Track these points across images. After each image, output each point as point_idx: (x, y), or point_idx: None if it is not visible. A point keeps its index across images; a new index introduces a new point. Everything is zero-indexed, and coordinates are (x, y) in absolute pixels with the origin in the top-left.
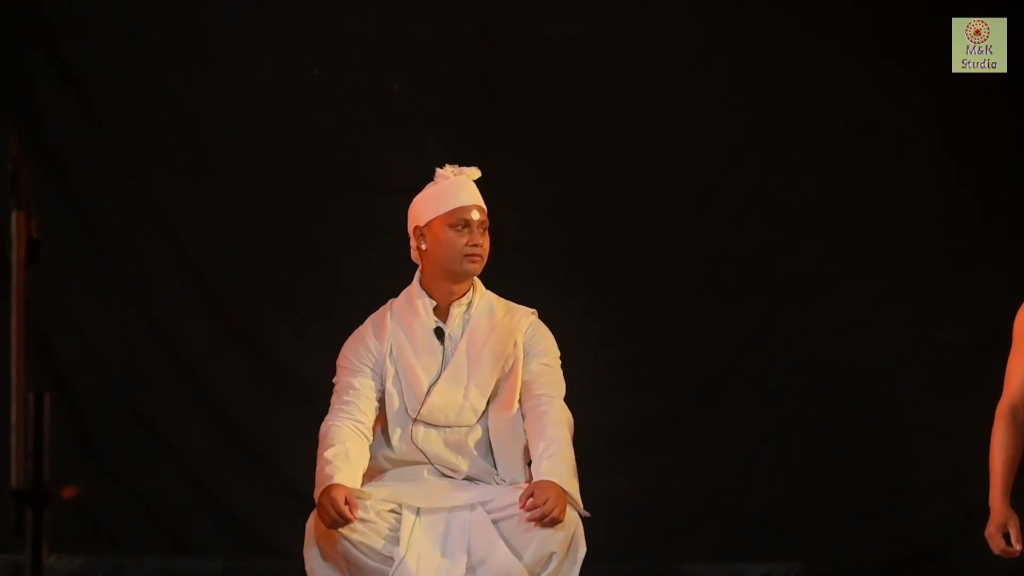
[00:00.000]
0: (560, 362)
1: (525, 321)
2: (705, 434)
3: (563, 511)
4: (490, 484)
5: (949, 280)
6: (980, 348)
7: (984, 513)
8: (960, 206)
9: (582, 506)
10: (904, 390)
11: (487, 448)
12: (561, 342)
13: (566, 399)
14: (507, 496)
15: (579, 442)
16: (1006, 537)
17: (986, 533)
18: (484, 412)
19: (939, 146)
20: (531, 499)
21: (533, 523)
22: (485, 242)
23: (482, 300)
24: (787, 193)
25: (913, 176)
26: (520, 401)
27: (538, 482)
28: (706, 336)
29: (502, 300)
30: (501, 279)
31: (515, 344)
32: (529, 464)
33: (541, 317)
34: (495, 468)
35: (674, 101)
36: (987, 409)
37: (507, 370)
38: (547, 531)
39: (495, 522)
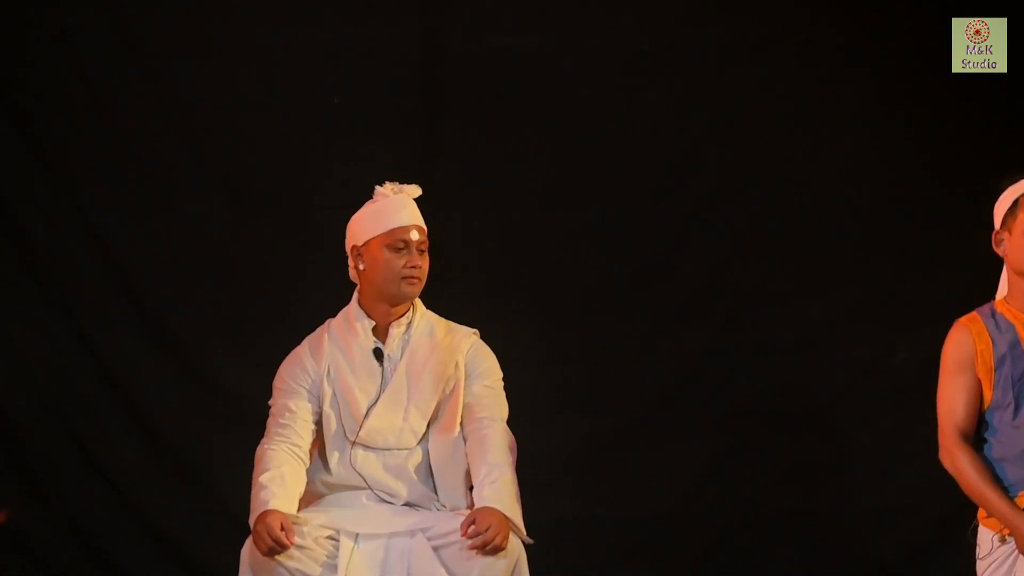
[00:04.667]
0: (503, 383)
1: (467, 341)
2: (655, 457)
3: (505, 538)
4: (431, 510)
5: (903, 301)
6: (934, 369)
7: (940, 538)
8: (916, 228)
9: (525, 533)
10: (857, 412)
11: (427, 472)
12: (504, 363)
13: (509, 421)
14: (448, 522)
15: (524, 465)
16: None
17: None
18: (424, 435)
19: (910, 158)
20: (473, 526)
21: (475, 551)
22: (424, 263)
23: (422, 320)
24: (739, 212)
25: (867, 198)
26: (461, 424)
27: (480, 508)
28: (655, 357)
29: (443, 320)
30: (442, 297)
31: (456, 365)
32: (471, 489)
33: (483, 337)
34: (435, 493)
35: (622, 114)
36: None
37: (448, 392)
38: (489, 559)
39: (436, 549)
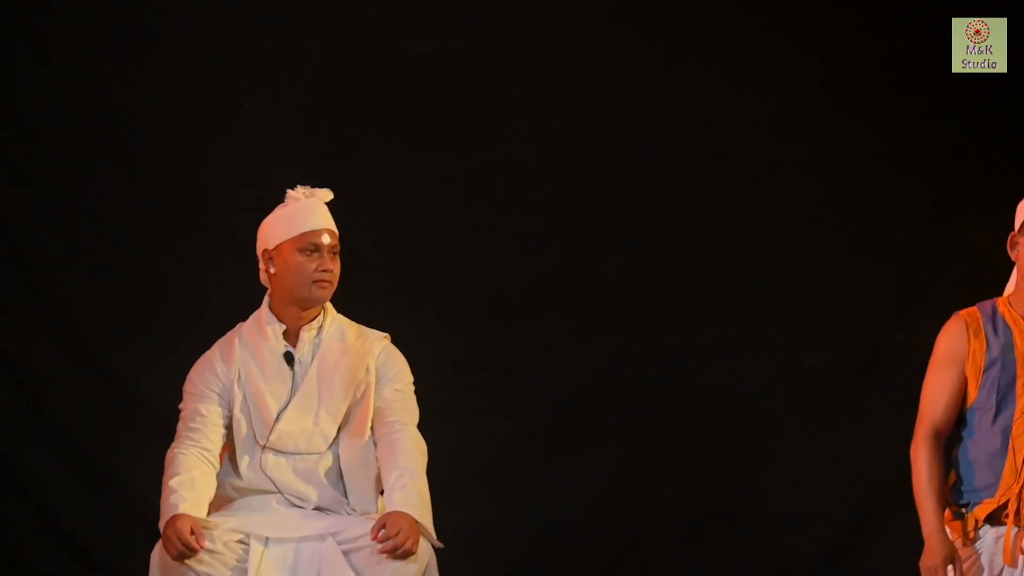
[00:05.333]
0: (414, 388)
1: (378, 345)
2: (568, 461)
3: (416, 543)
4: (341, 514)
5: (813, 306)
6: (845, 374)
7: (851, 542)
8: (829, 230)
9: (435, 537)
10: (769, 416)
11: (338, 476)
12: (415, 367)
13: (420, 425)
14: (358, 527)
15: (435, 469)
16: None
17: (927, 566)
18: (335, 439)
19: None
20: (383, 530)
21: (385, 555)
22: (335, 267)
23: (333, 324)
24: (653, 216)
25: (781, 203)
26: (372, 428)
27: (390, 513)
28: (569, 361)
29: (354, 324)
30: (353, 301)
31: (367, 369)
32: (382, 493)
33: (394, 341)
34: (346, 497)
35: (534, 117)
36: (851, 436)
37: (359, 396)
38: (399, 563)
39: (346, 553)
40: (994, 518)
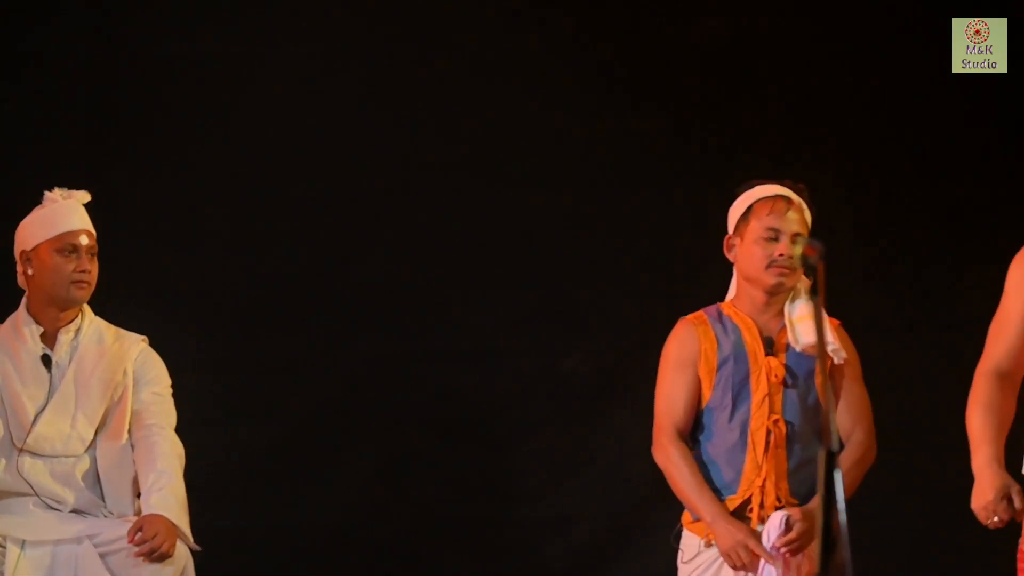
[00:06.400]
0: (171, 391)
1: (135, 348)
2: (326, 463)
3: (172, 545)
4: (98, 517)
5: (573, 310)
6: (604, 378)
7: (608, 545)
8: (588, 236)
9: (192, 540)
10: (527, 419)
11: (95, 479)
12: (173, 370)
13: (178, 429)
14: (115, 529)
15: (193, 472)
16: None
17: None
18: (92, 442)
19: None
20: (139, 533)
21: (142, 558)
22: (94, 268)
23: (91, 326)
24: (410, 217)
25: (539, 204)
26: (130, 431)
27: (147, 516)
28: (325, 363)
29: (112, 326)
30: (110, 303)
31: (124, 372)
32: (139, 496)
33: (152, 344)
34: (103, 500)
35: (296, 116)
36: (609, 440)
37: (116, 399)
38: (156, 565)
39: (103, 556)
40: (738, 516)
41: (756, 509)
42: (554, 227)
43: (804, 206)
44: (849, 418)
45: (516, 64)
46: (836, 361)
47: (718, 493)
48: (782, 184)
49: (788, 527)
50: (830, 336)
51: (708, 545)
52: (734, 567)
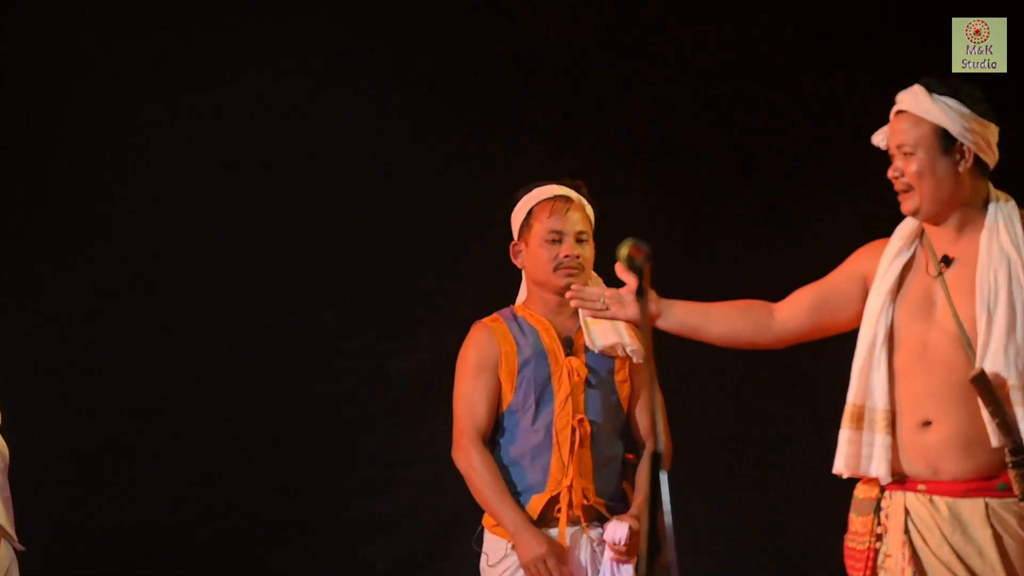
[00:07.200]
0: None
1: None
2: (149, 464)
3: None
4: None
5: (397, 311)
6: (427, 379)
7: (433, 546)
8: (418, 237)
9: (16, 540)
10: (353, 420)
11: None
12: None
13: (3, 428)
14: None
15: (18, 472)
16: None
17: (530, 560)
18: None
19: None
20: None
21: None
22: None
23: None
24: (237, 217)
25: (363, 206)
26: None
27: None
28: (151, 363)
29: None
30: None
31: None
32: None
33: None
34: None
35: (121, 117)
36: (430, 443)
37: None
38: None
39: None
40: (545, 517)
41: (564, 508)
42: (379, 230)
43: (585, 203)
44: (649, 418)
45: (344, 63)
46: (635, 361)
47: (525, 494)
48: (560, 183)
49: (629, 536)
50: (628, 337)
51: (515, 548)
52: None
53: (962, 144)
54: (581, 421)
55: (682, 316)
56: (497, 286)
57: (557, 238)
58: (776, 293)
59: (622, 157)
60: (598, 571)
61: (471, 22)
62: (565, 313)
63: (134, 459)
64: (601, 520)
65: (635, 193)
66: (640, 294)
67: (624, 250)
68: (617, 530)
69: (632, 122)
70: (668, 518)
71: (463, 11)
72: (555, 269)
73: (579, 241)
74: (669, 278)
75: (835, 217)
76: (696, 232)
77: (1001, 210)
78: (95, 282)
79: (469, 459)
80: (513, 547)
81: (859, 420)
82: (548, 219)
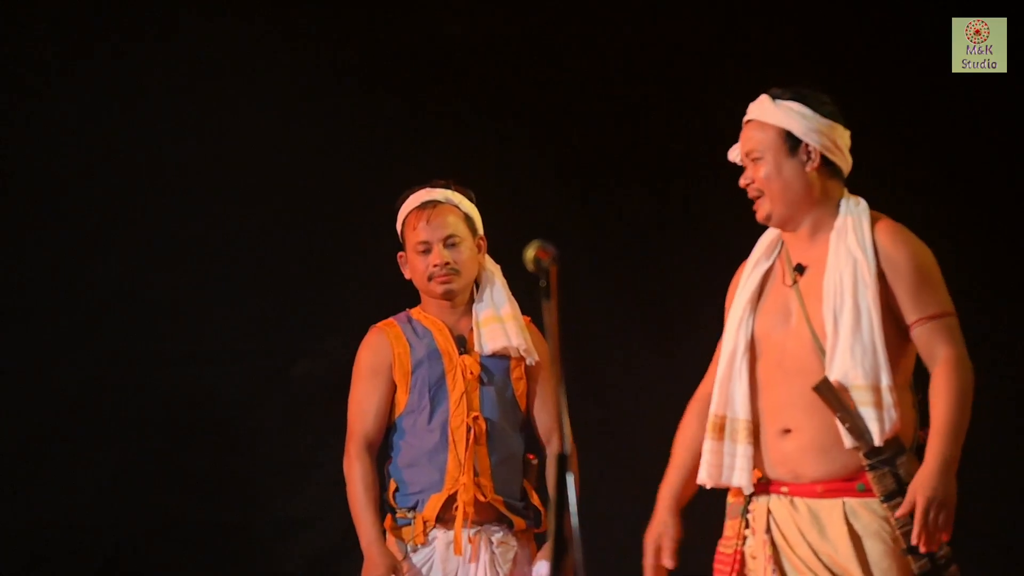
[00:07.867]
0: None
1: None
2: (60, 466)
3: None
4: None
5: (305, 312)
6: (334, 381)
7: (342, 550)
8: (325, 236)
9: None
10: (262, 423)
11: None
12: None
13: None
14: None
15: None
16: None
17: None
18: None
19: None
20: None
21: None
22: None
23: None
24: (149, 218)
25: (273, 206)
26: None
27: None
28: (64, 364)
29: None
30: None
31: None
32: None
33: None
34: None
35: (32, 116)
36: (340, 443)
37: None
38: None
39: None
40: (443, 517)
41: (462, 506)
42: (285, 230)
43: (457, 201)
44: (548, 417)
45: (250, 68)
46: (528, 363)
47: (424, 493)
48: (431, 185)
49: None
50: (517, 339)
51: (414, 549)
52: None
53: (807, 144)
54: (476, 419)
55: (687, 495)
56: (409, 290)
57: (426, 248)
58: (680, 293)
59: (527, 157)
60: (497, 573)
61: (369, 20)
62: (458, 312)
63: (43, 461)
64: (501, 520)
65: (539, 193)
66: (546, 296)
67: (531, 252)
68: (544, 569)
69: (535, 122)
70: (575, 519)
71: (362, 10)
72: (429, 280)
73: (450, 246)
74: (575, 279)
75: (740, 218)
76: (601, 232)
77: (851, 212)
78: (3, 282)
79: (351, 468)
80: (414, 547)
81: (721, 431)
82: (415, 230)
